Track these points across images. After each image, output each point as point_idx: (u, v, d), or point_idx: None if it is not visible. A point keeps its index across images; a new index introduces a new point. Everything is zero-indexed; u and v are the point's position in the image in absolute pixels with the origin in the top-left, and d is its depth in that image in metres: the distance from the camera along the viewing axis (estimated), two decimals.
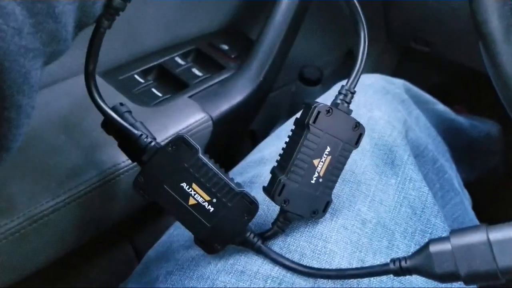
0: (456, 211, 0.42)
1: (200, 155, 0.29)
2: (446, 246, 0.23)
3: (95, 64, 0.28)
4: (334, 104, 0.32)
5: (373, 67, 0.74)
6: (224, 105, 0.46)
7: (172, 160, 0.28)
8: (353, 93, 0.33)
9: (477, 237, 0.22)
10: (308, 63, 0.63)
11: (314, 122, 0.31)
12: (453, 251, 0.22)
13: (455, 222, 0.41)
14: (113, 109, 0.33)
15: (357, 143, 0.32)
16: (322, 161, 0.31)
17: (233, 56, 0.51)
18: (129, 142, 0.30)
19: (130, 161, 0.38)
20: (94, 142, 0.39)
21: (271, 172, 0.31)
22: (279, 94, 0.62)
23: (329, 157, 0.31)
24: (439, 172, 0.41)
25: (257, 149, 0.42)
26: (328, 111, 0.31)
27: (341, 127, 0.31)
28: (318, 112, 0.31)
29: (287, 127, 0.42)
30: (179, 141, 0.28)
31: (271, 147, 0.40)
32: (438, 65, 0.78)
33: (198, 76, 0.48)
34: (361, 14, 0.33)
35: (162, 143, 0.30)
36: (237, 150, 0.56)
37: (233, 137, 0.50)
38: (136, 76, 0.47)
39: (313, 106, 0.31)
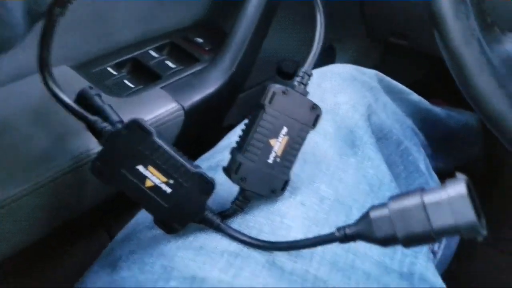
0: None
1: (155, 137, 0.29)
2: (384, 211, 0.23)
3: (49, 52, 0.29)
4: (291, 85, 0.33)
5: (354, 63, 0.75)
6: (196, 96, 0.47)
7: (127, 143, 0.29)
8: (309, 75, 0.33)
9: (413, 201, 0.23)
10: (285, 55, 0.63)
11: (269, 102, 0.31)
12: (390, 215, 0.23)
13: None
14: (82, 92, 0.33)
15: (314, 124, 0.33)
16: (279, 141, 0.32)
17: (207, 48, 0.52)
18: (89, 127, 0.31)
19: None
20: (67, 130, 0.40)
21: (230, 153, 0.32)
22: (258, 90, 0.63)
23: (286, 137, 0.32)
24: (403, 154, 0.42)
25: (226, 137, 0.43)
26: (283, 92, 0.32)
27: (297, 108, 0.32)
28: (274, 93, 0.32)
29: None
30: (133, 124, 0.29)
31: (239, 133, 0.41)
32: (419, 59, 0.78)
33: (172, 68, 0.49)
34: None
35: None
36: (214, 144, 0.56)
37: (206, 128, 0.51)
38: (109, 69, 0.48)
39: (268, 86, 0.32)
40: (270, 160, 0.32)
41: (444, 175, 0.53)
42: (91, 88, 0.34)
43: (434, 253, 0.51)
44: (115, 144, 0.29)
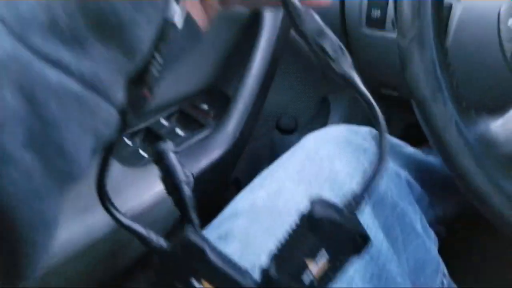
0: (417, 253, 0.46)
1: (208, 255, 0.31)
2: None
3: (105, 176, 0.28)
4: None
5: (348, 113, 0.79)
6: (203, 161, 0.51)
7: (181, 261, 0.30)
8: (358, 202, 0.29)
9: None
10: (284, 111, 0.68)
11: None
12: None
13: (417, 263, 0.45)
14: (157, 149, 0.32)
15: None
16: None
17: (212, 114, 0.57)
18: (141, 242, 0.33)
19: None
20: None
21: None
22: (260, 143, 0.67)
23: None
24: (399, 217, 0.45)
25: (232, 202, 0.46)
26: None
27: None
28: None
29: (258, 180, 0.47)
30: (186, 243, 0.31)
31: (244, 200, 0.44)
32: (411, 105, 0.83)
33: (180, 136, 0.53)
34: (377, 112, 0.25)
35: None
36: (222, 199, 0.60)
37: (214, 190, 0.55)
38: (125, 139, 0.52)
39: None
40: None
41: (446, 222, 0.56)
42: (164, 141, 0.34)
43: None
44: (169, 261, 0.30)
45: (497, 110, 0.34)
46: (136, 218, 0.44)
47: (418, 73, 0.35)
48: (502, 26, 0.35)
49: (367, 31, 0.61)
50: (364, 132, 0.55)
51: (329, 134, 0.50)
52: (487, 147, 0.35)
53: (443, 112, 0.36)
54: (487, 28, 0.40)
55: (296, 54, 0.67)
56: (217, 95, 0.60)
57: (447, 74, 0.35)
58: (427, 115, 0.36)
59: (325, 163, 0.46)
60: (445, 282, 0.47)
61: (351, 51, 0.69)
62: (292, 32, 0.65)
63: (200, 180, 0.50)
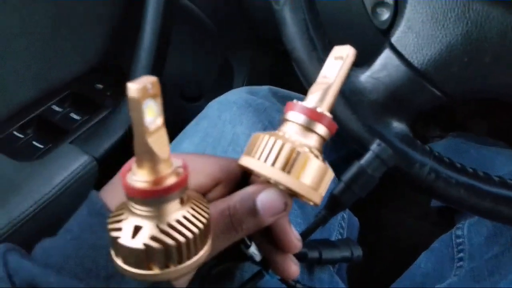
0: None
1: None
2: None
3: None
4: None
5: (252, 69, 0.80)
6: (106, 143, 0.50)
7: None
8: None
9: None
10: (187, 79, 0.67)
11: None
12: None
13: None
14: None
15: None
16: None
17: (108, 93, 0.55)
18: None
19: None
20: None
21: None
22: (166, 114, 0.67)
23: None
24: None
25: None
26: None
27: None
28: None
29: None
30: None
31: None
32: None
33: (77, 120, 0.51)
34: None
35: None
36: None
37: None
38: (15, 133, 0.49)
39: None
40: None
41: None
42: None
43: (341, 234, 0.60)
44: None
45: (365, 61, 0.37)
46: (39, 213, 0.43)
47: (293, 35, 0.37)
48: None
49: None
50: (263, 91, 0.57)
51: (230, 99, 0.52)
52: (359, 96, 0.38)
53: (319, 69, 0.38)
54: None
55: (189, 20, 0.66)
56: (112, 72, 0.58)
57: (320, 34, 0.37)
58: (306, 73, 0.38)
59: (227, 126, 0.47)
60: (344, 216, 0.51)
61: (246, 13, 0.70)
62: None
63: (106, 162, 0.49)
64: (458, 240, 0.48)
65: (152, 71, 0.53)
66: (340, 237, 0.50)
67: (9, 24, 0.47)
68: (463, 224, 0.49)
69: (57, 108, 0.52)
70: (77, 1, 0.52)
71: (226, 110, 0.50)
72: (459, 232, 0.49)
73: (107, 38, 0.58)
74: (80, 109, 0.52)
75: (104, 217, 0.27)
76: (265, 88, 0.58)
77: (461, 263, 0.46)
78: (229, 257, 0.34)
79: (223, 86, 0.73)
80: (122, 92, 0.54)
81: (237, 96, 0.53)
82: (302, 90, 0.67)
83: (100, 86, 0.55)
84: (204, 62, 0.72)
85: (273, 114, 0.54)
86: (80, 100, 0.54)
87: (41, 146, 0.48)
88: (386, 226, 0.81)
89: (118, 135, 0.51)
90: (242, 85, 0.75)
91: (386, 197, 0.84)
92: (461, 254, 0.47)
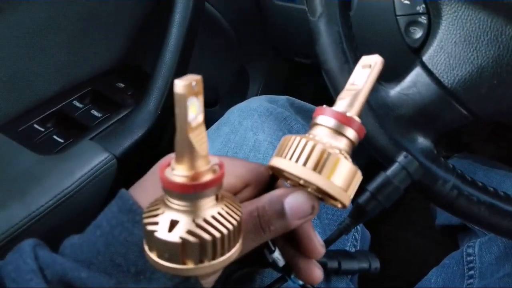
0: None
1: None
2: None
3: None
4: None
5: (267, 77, 0.81)
6: (126, 142, 0.50)
7: None
8: None
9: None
10: (205, 84, 0.68)
11: None
12: None
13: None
14: None
15: None
16: None
17: (129, 93, 0.55)
18: None
19: None
20: None
21: None
22: None
23: None
24: None
25: None
26: None
27: None
28: None
29: None
30: None
31: None
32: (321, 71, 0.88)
33: (98, 117, 0.51)
34: None
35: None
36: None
37: (139, 169, 0.54)
38: (35, 126, 0.49)
39: None
40: None
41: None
42: None
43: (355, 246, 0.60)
44: None
45: (395, 78, 0.38)
46: (58, 207, 0.43)
47: (326, 46, 0.37)
48: (396, 2, 0.39)
49: (278, 2, 0.62)
50: (282, 101, 0.57)
51: (251, 106, 0.52)
52: (387, 110, 0.39)
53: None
54: (385, 3, 0.44)
55: (212, 25, 0.67)
56: (133, 71, 0.58)
57: (352, 47, 0.38)
58: (336, 84, 0.39)
59: (249, 133, 0.48)
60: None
61: (264, 23, 0.71)
62: (207, 4, 0.64)
63: (124, 160, 0.49)
64: (469, 258, 0.49)
65: (176, 73, 0.54)
66: (354, 248, 0.50)
67: (37, 19, 0.47)
68: (474, 243, 0.50)
69: (78, 104, 0.52)
70: (102, 1, 0.52)
71: (247, 117, 0.51)
72: (470, 250, 0.49)
73: (129, 38, 0.58)
74: (100, 107, 0.53)
75: (135, 213, 0.27)
76: (283, 98, 0.59)
77: (471, 280, 0.47)
78: (250, 262, 0.34)
79: (238, 93, 0.74)
80: (143, 92, 0.54)
81: (258, 103, 0.54)
82: (315, 101, 0.68)
83: (122, 85, 0.55)
84: (221, 69, 0.73)
85: (292, 124, 0.54)
86: (100, 98, 0.54)
87: (61, 141, 0.48)
88: (390, 242, 0.81)
89: (138, 134, 0.52)
90: (257, 93, 0.75)
91: (387, 213, 0.85)
92: (471, 272, 0.47)
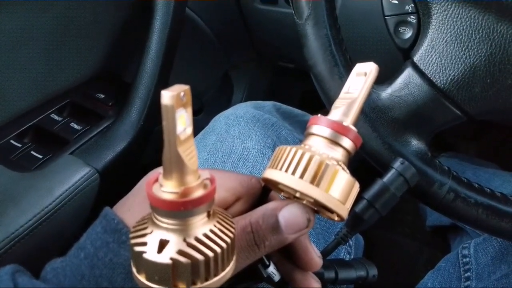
0: None
1: None
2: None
3: None
4: None
5: (251, 83, 0.80)
6: (108, 155, 0.48)
7: None
8: None
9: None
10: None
11: None
12: None
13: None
14: None
15: None
16: None
17: (110, 103, 0.53)
18: None
19: None
20: None
21: None
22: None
23: None
24: None
25: None
26: None
27: None
28: None
29: None
30: None
31: None
32: (306, 74, 0.87)
33: (77, 130, 0.49)
34: None
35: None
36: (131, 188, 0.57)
37: (122, 182, 0.52)
38: (12, 141, 0.46)
39: None
40: None
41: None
42: None
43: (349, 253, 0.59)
44: None
45: (385, 80, 0.37)
46: (38, 227, 0.40)
47: (315, 50, 0.36)
48: (384, 1, 0.38)
49: (261, 6, 0.61)
50: (268, 106, 0.56)
51: (237, 113, 0.51)
52: (379, 113, 0.38)
53: (339, 85, 0.38)
54: (372, 3, 0.43)
55: (194, 32, 0.65)
56: (114, 82, 0.56)
57: (341, 50, 0.37)
58: (325, 88, 0.38)
59: (237, 142, 0.46)
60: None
61: (248, 28, 0.70)
62: (188, 10, 0.63)
63: (106, 174, 0.47)
64: (464, 260, 0.48)
65: (158, 81, 0.52)
66: (348, 255, 0.49)
67: (10, 31, 0.45)
68: (469, 244, 0.49)
69: (56, 117, 0.49)
70: (78, 10, 0.50)
71: (234, 124, 0.49)
72: (465, 252, 0.49)
73: (108, 47, 0.56)
74: (80, 119, 0.50)
75: (121, 233, 0.25)
76: (269, 103, 0.58)
77: (468, 282, 0.46)
78: (244, 277, 0.33)
79: (222, 100, 0.72)
80: (124, 102, 0.52)
81: (244, 110, 0.52)
82: (301, 105, 0.67)
83: (102, 95, 0.53)
84: (205, 76, 0.71)
85: (280, 130, 0.53)
86: (80, 110, 0.51)
87: (40, 156, 0.46)
88: (380, 246, 0.81)
89: (120, 146, 0.49)
90: (242, 99, 0.74)
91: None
92: (468, 274, 0.47)
